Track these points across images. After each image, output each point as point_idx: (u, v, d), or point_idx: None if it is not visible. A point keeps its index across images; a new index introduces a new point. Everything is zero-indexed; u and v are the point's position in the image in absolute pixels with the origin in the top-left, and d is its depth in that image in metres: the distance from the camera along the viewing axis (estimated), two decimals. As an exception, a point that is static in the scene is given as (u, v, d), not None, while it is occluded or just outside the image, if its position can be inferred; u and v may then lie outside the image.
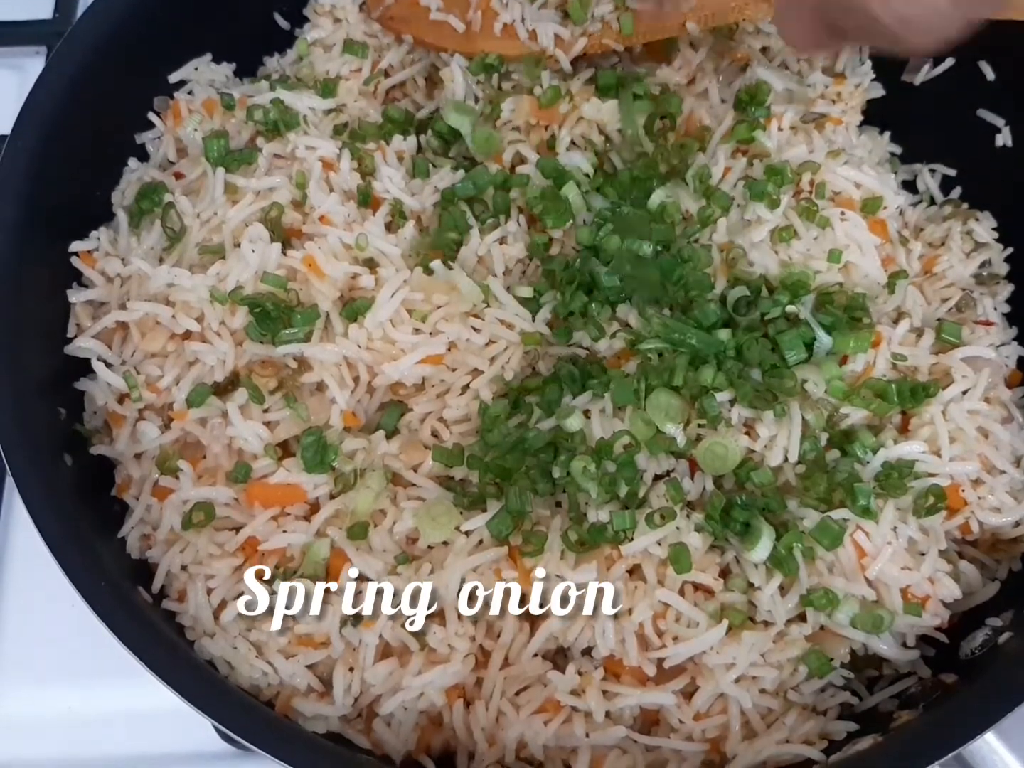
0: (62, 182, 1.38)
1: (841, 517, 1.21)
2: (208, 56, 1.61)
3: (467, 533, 1.22)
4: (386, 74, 1.61)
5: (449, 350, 1.32)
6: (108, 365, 1.34)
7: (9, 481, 1.24)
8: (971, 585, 1.29)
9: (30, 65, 1.87)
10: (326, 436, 1.27)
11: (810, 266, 1.38)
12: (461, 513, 1.24)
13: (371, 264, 1.36)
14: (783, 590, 1.21)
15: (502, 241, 1.41)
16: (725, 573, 1.23)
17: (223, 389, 1.31)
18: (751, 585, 1.21)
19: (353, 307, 1.32)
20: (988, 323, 1.46)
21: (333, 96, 1.54)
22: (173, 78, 1.57)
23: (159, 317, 1.31)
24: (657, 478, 1.27)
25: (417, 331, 1.32)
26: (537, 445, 1.25)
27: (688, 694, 1.19)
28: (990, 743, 1.08)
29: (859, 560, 1.21)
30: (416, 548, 1.25)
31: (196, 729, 1.31)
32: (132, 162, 1.51)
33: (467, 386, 1.32)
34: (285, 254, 1.33)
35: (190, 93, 1.57)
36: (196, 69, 1.60)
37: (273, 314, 1.28)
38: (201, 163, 1.42)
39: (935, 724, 1.12)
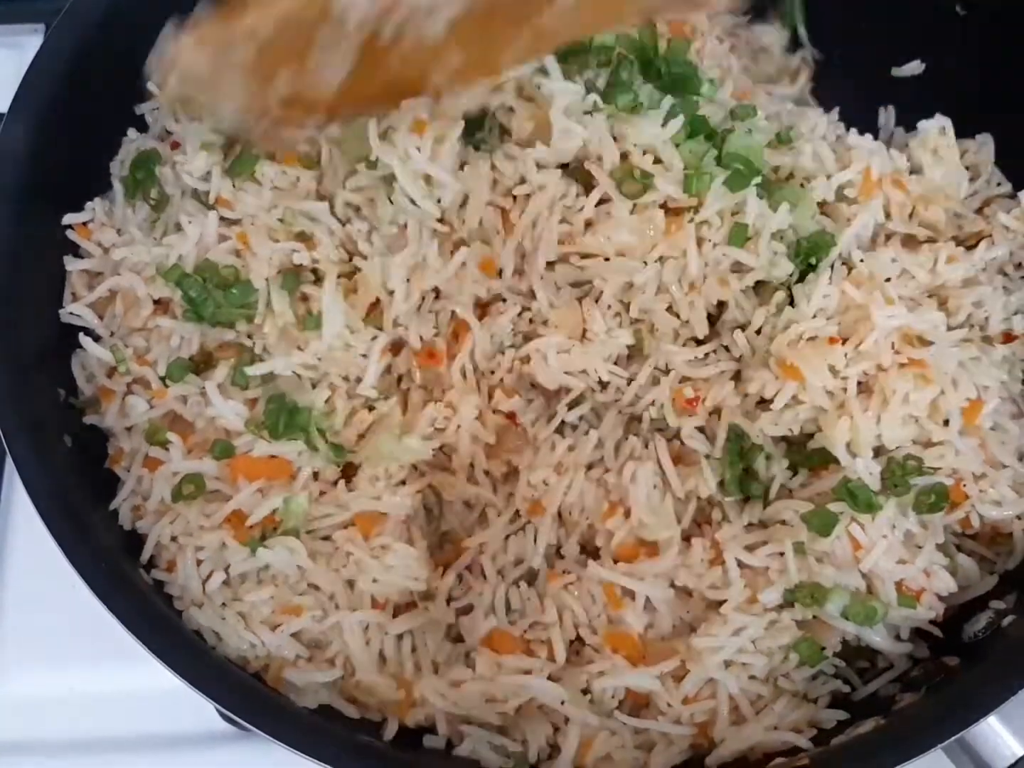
0: (61, 159, 1.37)
1: (838, 510, 1.19)
2: (209, 29, 1.59)
3: None
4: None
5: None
6: (99, 338, 1.34)
7: (9, 463, 1.23)
8: (969, 578, 1.25)
9: (28, 43, 1.85)
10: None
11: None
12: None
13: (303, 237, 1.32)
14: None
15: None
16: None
17: (201, 365, 1.30)
18: None
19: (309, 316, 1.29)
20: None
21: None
22: (173, 49, 1.56)
23: (137, 291, 1.30)
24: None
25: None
26: None
27: (677, 678, 1.18)
28: (993, 726, 1.06)
29: (854, 552, 1.18)
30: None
31: (198, 709, 1.31)
32: (131, 132, 1.49)
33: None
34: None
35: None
36: (197, 41, 1.58)
37: (198, 299, 1.26)
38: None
39: (937, 707, 1.11)
